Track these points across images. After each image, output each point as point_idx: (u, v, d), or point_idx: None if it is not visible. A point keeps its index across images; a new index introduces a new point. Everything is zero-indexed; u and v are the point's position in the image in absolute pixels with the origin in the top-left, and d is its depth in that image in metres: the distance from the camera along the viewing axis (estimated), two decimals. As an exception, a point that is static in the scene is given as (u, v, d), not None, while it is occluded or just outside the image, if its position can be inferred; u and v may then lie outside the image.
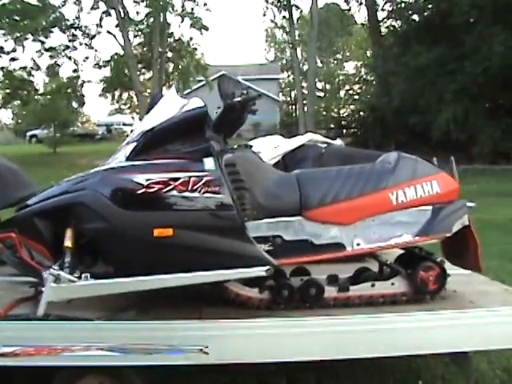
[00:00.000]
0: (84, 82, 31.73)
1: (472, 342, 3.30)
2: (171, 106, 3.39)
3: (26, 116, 37.76)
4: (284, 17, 33.39)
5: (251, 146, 3.77)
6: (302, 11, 35.54)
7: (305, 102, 32.34)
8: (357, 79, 52.41)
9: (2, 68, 28.16)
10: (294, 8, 31.38)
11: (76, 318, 3.22)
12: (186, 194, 3.07)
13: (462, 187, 3.76)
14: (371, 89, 37.44)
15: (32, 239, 3.39)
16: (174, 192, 3.07)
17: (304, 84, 39.48)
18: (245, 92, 3.37)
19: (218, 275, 3.15)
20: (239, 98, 3.33)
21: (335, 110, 50.79)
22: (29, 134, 43.36)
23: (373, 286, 3.56)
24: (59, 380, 3.29)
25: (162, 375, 3.62)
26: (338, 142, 5.75)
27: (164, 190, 3.06)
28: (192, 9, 29.96)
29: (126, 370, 3.25)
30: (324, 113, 50.81)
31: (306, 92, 35.16)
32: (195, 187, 3.08)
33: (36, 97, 30.63)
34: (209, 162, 3.13)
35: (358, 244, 3.45)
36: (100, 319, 3.22)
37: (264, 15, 34.87)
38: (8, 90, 29.13)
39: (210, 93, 20.43)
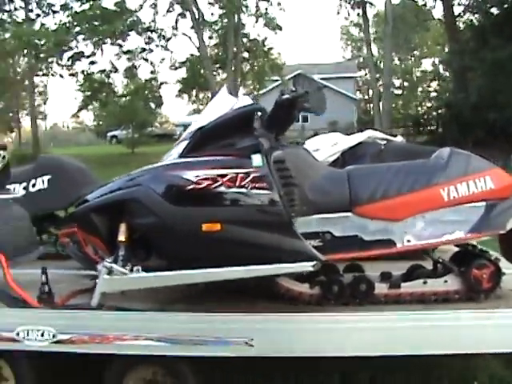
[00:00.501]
0: (161, 83, 32.34)
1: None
2: (222, 104, 3.50)
3: (106, 117, 38.75)
4: (358, 14, 32.99)
5: (303, 143, 3.81)
6: (375, 8, 35.06)
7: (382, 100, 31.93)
8: (434, 76, 51.38)
9: (83, 71, 29.08)
10: (367, 5, 31.00)
11: (127, 309, 3.36)
12: (234, 189, 3.15)
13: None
14: (448, 85, 36.64)
15: (89, 233, 3.56)
16: (222, 188, 3.15)
17: (380, 82, 38.96)
18: (294, 89, 3.40)
19: (266, 270, 3.19)
20: (288, 96, 3.37)
21: (413, 108, 49.89)
22: (109, 134, 44.56)
23: (425, 283, 3.53)
24: (114, 368, 3.47)
25: (212, 366, 3.71)
26: (399, 138, 5.70)
27: (212, 186, 3.15)
28: (266, 9, 30.08)
29: (177, 361, 3.36)
30: (402, 111, 50.05)
31: (382, 90, 34.68)
32: (243, 183, 3.15)
33: (115, 98, 31.43)
34: (256, 159, 3.19)
35: (409, 240, 3.42)
36: (149, 310, 3.35)
37: (338, 13, 34.34)
38: (88, 93, 30.07)
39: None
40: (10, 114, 46.34)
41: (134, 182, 3.39)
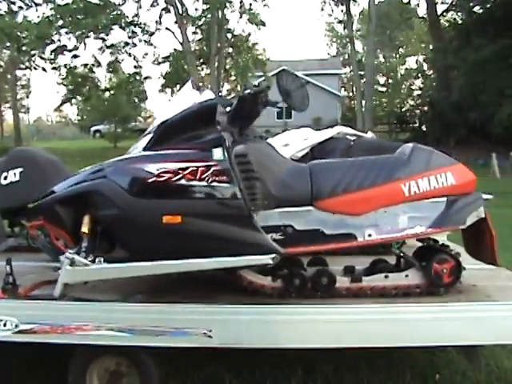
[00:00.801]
0: (145, 77, 32.27)
1: (479, 336, 3.28)
2: (186, 98, 3.53)
3: (89, 112, 38.64)
4: (342, 11, 33.15)
5: (266, 138, 3.84)
6: (360, 5, 35.24)
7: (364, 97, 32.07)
8: (418, 74, 51.66)
9: (65, 65, 28.98)
10: (351, 2, 31.16)
11: (88, 300, 3.39)
12: (195, 182, 3.19)
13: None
14: (432, 83, 36.85)
15: (54, 225, 3.58)
16: (183, 181, 3.19)
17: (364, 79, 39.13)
18: (256, 84, 3.44)
19: (225, 262, 3.25)
20: (250, 90, 3.41)
21: (397, 106, 50.15)
22: (93, 129, 44.46)
23: (386, 277, 3.57)
24: (78, 357, 3.49)
25: (176, 359, 3.77)
26: (369, 134, 5.74)
27: (173, 179, 3.19)
28: (250, 4, 30.13)
29: (139, 351, 3.39)
30: (385, 108, 50.30)
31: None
32: (203, 176, 3.19)
33: (98, 93, 31.34)
34: (217, 152, 3.23)
35: (370, 235, 3.46)
36: (110, 301, 3.38)
37: (322, 10, 34.52)
38: (71, 87, 29.97)
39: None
40: (-8, 108, 46.01)
41: (99, 174, 3.42)
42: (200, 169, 3.19)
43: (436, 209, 3.49)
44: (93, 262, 3.29)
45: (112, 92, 31.49)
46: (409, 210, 3.47)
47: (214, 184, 3.19)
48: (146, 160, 3.27)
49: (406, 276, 3.58)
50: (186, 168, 3.19)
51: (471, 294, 3.58)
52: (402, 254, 3.87)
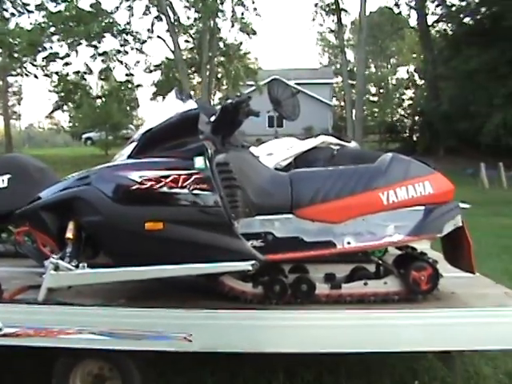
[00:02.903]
0: (136, 85, 32.33)
1: (456, 341, 3.36)
2: (170, 108, 3.61)
3: (81, 119, 38.63)
4: (333, 21, 33.32)
5: (249, 147, 3.92)
6: (351, 15, 35.44)
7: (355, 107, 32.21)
8: (408, 84, 51.94)
9: (57, 72, 29.00)
10: (343, 12, 31.32)
11: (71, 304, 3.45)
12: (176, 190, 3.26)
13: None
14: (422, 93, 37.09)
15: (40, 230, 3.66)
16: (165, 188, 3.26)
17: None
18: (238, 94, 3.52)
19: (206, 268, 3.32)
20: (231, 100, 3.49)
21: (388, 115, 50.39)
22: (84, 136, 44.42)
23: (365, 284, 3.63)
24: (62, 361, 3.55)
25: (158, 364, 3.82)
26: (353, 144, 5.82)
27: (156, 187, 3.26)
28: (242, 13, 30.28)
29: (122, 355, 3.45)
30: (377, 118, 50.50)
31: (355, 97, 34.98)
32: (185, 184, 3.26)
33: (89, 100, 31.36)
34: (199, 161, 3.31)
35: (349, 242, 3.52)
36: (93, 305, 3.44)
37: (313, 19, 34.64)
38: (62, 94, 29.98)
39: (260, 96, 20.58)
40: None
41: (84, 181, 3.50)
42: (182, 177, 3.27)
43: (414, 217, 3.55)
44: (76, 267, 3.37)
45: (103, 99, 31.51)
46: (387, 219, 3.53)
47: (196, 192, 3.27)
48: (130, 168, 3.35)
49: (385, 283, 3.65)
50: (168, 176, 3.27)
51: (449, 300, 3.65)
52: (380, 262, 3.93)
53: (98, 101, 32.39)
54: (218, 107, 3.63)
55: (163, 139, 3.44)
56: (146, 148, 3.46)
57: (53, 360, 3.55)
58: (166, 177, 3.27)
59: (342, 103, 57.99)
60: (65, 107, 34.04)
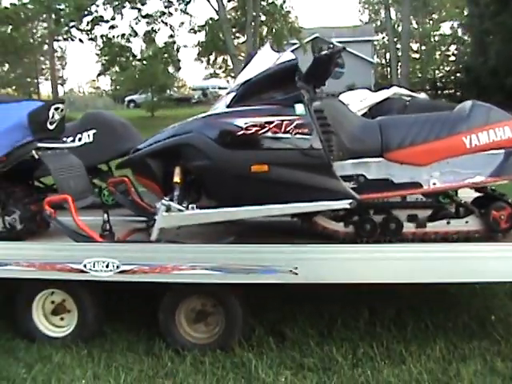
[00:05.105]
0: (179, 47, 32.27)
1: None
2: (266, 59, 3.85)
3: (124, 82, 38.70)
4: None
5: (338, 96, 4.13)
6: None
7: (399, 63, 31.81)
8: (452, 40, 50.93)
9: (102, 36, 29.13)
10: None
11: (183, 242, 3.76)
12: (280, 135, 3.54)
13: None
14: (467, 49, 36.39)
15: (145, 177, 3.97)
16: (269, 133, 3.54)
17: (398, 46, 38.71)
18: (331, 46, 3.73)
19: (308, 207, 3.61)
20: (326, 51, 3.70)
21: (431, 72, 49.56)
22: (127, 99, 44.66)
23: (448, 223, 3.86)
24: (167, 299, 3.88)
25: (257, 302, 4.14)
26: (423, 95, 5.98)
27: (260, 132, 3.54)
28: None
29: (225, 292, 3.77)
30: (419, 74, 49.78)
31: (400, 54, 34.55)
32: (287, 129, 3.53)
33: (134, 63, 31.44)
34: (299, 108, 3.56)
35: (434, 183, 3.75)
36: (204, 243, 3.74)
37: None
38: (107, 57, 30.14)
39: (305, 55, 20.51)
40: (28, 80, 46.56)
41: (186, 129, 3.78)
42: (284, 122, 3.53)
43: (494, 160, 3.75)
44: (186, 208, 3.66)
45: (148, 61, 31.52)
46: (470, 161, 3.74)
47: (297, 136, 3.53)
48: (235, 115, 3.62)
49: (467, 222, 3.87)
50: (272, 122, 3.53)
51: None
52: (462, 202, 4.13)
53: (142, 63, 32.40)
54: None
55: (262, 88, 3.69)
56: (245, 97, 3.71)
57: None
58: (270, 123, 3.53)
59: (383, 61, 57.30)
60: (108, 71, 34.16)
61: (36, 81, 47.80)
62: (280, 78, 3.68)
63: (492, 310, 4.39)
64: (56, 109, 4.32)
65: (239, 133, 3.55)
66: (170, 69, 34.86)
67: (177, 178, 3.71)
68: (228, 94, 3.91)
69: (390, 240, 3.83)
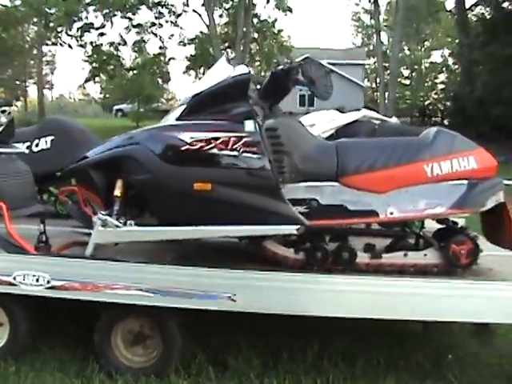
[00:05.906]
0: (169, 58, 32.31)
1: (493, 314, 3.37)
2: (220, 72, 3.65)
3: (113, 90, 38.81)
4: (370, 1, 32.92)
5: (296, 115, 3.95)
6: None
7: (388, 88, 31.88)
8: (442, 68, 51.29)
9: (91, 43, 29.08)
10: (379, -7, 30.94)
11: (118, 260, 3.53)
12: (226, 152, 3.33)
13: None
14: (456, 78, 36.61)
15: (86, 188, 3.76)
16: (215, 150, 3.33)
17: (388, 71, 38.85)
18: (289, 61, 3.55)
19: (252, 230, 3.40)
20: (282, 67, 3.52)
21: (420, 99, 49.83)
22: (115, 108, 44.71)
23: (405, 255, 3.66)
24: (104, 319, 3.64)
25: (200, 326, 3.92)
26: (394, 119, 5.83)
27: (205, 148, 3.33)
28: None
29: (162, 315, 3.55)
30: (408, 100, 50.00)
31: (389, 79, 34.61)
32: (235, 147, 3.32)
33: (122, 72, 31.44)
34: (249, 125, 3.36)
35: (392, 213, 3.54)
36: (140, 262, 3.51)
37: (349, -1, 34.38)
38: (96, 64, 30.09)
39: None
40: (17, 83, 46.35)
41: (132, 140, 3.57)
42: (232, 139, 3.32)
43: (457, 191, 3.56)
44: (124, 224, 3.44)
45: (136, 71, 31.55)
46: (430, 191, 3.55)
47: (245, 155, 3.32)
48: (180, 129, 3.42)
49: (425, 255, 3.68)
50: (218, 138, 3.33)
51: (487, 276, 3.65)
52: (421, 234, 3.94)
53: (131, 73, 32.45)
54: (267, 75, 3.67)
55: (213, 102, 3.49)
56: (194, 111, 3.52)
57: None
58: (216, 139, 3.33)
59: (374, 85, 57.59)
60: (97, 78, 34.16)
61: (24, 84, 47.47)
62: (232, 92, 3.48)
63: (450, 347, 4.20)
64: (3, 111, 4.12)
65: (183, 148, 3.34)
66: (159, 80, 34.87)
67: (117, 192, 3.50)
68: (178, 106, 3.72)
69: (343, 270, 3.62)
